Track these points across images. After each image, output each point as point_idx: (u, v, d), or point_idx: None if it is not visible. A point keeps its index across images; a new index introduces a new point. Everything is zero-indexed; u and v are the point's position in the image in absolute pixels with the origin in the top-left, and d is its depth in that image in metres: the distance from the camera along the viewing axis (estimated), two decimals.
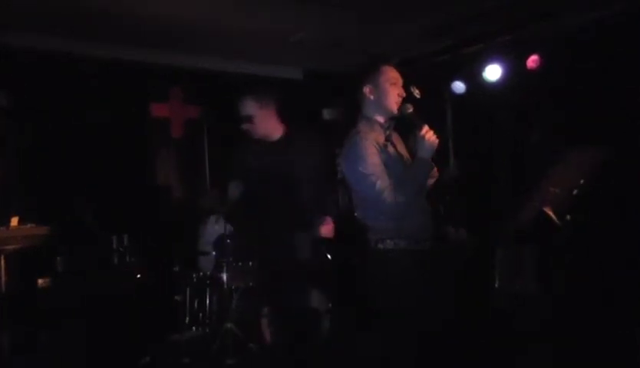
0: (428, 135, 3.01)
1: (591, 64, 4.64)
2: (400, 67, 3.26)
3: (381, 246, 3.11)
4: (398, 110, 3.15)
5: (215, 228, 5.44)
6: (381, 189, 3.00)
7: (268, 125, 4.08)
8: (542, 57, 4.89)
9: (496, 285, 4.19)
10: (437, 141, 3.03)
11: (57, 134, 5.25)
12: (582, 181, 3.13)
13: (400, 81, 3.18)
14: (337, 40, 5.59)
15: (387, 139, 3.17)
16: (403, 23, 5.19)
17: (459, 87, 5.50)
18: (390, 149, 3.15)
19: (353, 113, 3.35)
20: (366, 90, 3.20)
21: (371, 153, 3.06)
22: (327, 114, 7.13)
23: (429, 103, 3.53)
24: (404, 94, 3.17)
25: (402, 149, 3.27)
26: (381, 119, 3.20)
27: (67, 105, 5.30)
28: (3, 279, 3.60)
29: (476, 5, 4.78)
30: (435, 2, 4.75)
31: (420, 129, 3.03)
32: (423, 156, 3.03)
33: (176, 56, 5.85)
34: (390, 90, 3.14)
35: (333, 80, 6.89)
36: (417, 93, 3.35)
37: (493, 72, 5.19)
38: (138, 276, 5.04)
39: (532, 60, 4.92)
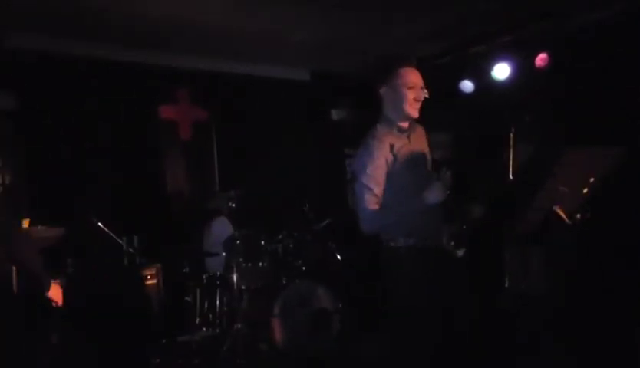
0: (443, 187, 2.99)
1: (599, 64, 4.63)
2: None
3: (392, 244, 3.14)
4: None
5: (220, 229, 5.47)
6: (366, 204, 3.06)
7: None
8: (551, 55, 4.88)
9: (507, 285, 4.18)
10: (444, 197, 3.01)
11: (66, 136, 5.28)
12: (592, 179, 3.12)
13: (419, 84, 3.14)
14: (344, 41, 5.60)
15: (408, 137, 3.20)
16: (410, 23, 5.20)
17: (467, 86, 5.50)
18: (406, 150, 3.15)
19: (361, 113, 3.36)
20: (383, 91, 3.20)
21: (376, 166, 3.07)
22: (335, 115, 7.15)
23: (437, 103, 3.55)
24: (422, 98, 3.15)
25: (423, 146, 3.27)
26: (399, 120, 3.19)
27: (76, 107, 5.32)
28: (15, 280, 3.62)
29: (483, 5, 4.78)
30: (440, 3, 4.76)
31: (439, 178, 3.01)
32: (427, 202, 3.00)
33: (183, 58, 5.87)
34: (407, 94, 3.11)
35: (340, 80, 6.91)
36: (425, 93, 3.35)
37: (501, 71, 5.18)
38: (148, 277, 5.06)
39: (541, 59, 4.91)
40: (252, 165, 6.31)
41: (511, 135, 4.18)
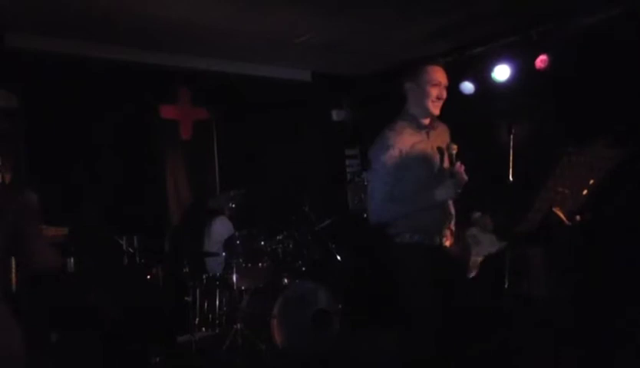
0: (456, 184, 3.08)
1: (599, 65, 4.63)
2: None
3: (398, 240, 3.18)
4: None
5: (221, 229, 5.47)
6: (376, 191, 3.14)
7: None
8: (551, 56, 4.88)
9: (506, 286, 4.18)
10: (456, 193, 3.10)
11: (67, 136, 5.28)
12: (591, 181, 3.12)
13: (443, 83, 3.21)
14: (345, 42, 5.60)
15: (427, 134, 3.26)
16: (410, 25, 5.20)
17: (467, 87, 5.49)
18: (423, 146, 3.19)
19: (362, 114, 3.39)
20: (407, 87, 3.26)
21: (390, 155, 3.12)
22: (335, 115, 7.16)
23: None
24: (444, 97, 3.21)
25: (442, 143, 3.29)
26: (420, 117, 3.23)
27: (77, 107, 5.33)
28: (14, 280, 3.63)
29: (483, 7, 4.78)
30: (441, 4, 4.75)
31: (453, 174, 3.11)
32: (437, 199, 3.09)
33: (184, 58, 5.87)
34: (431, 91, 3.17)
35: (341, 81, 6.91)
36: None
37: (501, 72, 5.18)
38: (148, 277, 5.06)
39: (541, 60, 4.91)
40: (253, 166, 6.31)
41: (511, 136, 4.18)
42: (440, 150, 3.27)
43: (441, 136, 3.34)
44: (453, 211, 3.29)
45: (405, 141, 3.16)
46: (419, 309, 3.11)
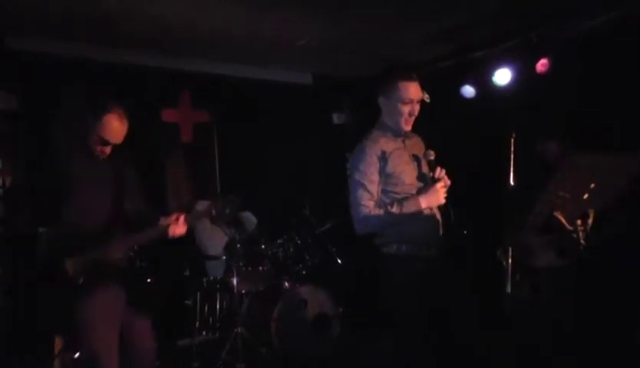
0: (442, 189, 3.11)
1: (600, 68, 4.63)
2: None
3: (385, 250, 3.17)
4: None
5: (200, 230, 5.48)
6: (359, 200, 3.12)
7: None
8: (552, 60, 4.88)
9: (508, 290, 4.17)
10: (443, 198, 3.13)
11: (67, 139, 5.26)
12: (592, 185, 3.11)
13: (415, 99, 3.20)
14: (346, 45, 5.60)
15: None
16: (411, 28, 5.20)
17: (468, 91, 5.49)
18: (400, 152, 3.19)
19: (362, 117, 3.40)
20: (380, 100, 3.28)
21: (368, 163, 3.15)
22: (337, 119, 7.15)
23: (438, 107, 3.56)
24: (416, 113, 3.21)
25: (419, 151, 3.30)
26: (393, 127, 3.24)
27: (77, 109, 5.31)
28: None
29: (485, 9, 4.78)
30: (442, 8, 4.75)
31: (436, 179, 3.13)
32: (423, 205, 3.10)
33: (185, 61, 5.87)
34: (402, 109, 3.18)
35: (342, 84, 6.91)
36: (426, 97, 3.37)
37: (502, 76, 5.17)
38: (148, 280, 5.05)
39: (542, 64, 4.91)
40: (254, 169, 6.31)
41: (512, 140, 4.18)
42: (416, 157, 3.28)
43: (417, 145, 3.36)
44: (453, 218, 3.27)
45: (381, 148, 3.18)
46: (409, 319, 3.11)
